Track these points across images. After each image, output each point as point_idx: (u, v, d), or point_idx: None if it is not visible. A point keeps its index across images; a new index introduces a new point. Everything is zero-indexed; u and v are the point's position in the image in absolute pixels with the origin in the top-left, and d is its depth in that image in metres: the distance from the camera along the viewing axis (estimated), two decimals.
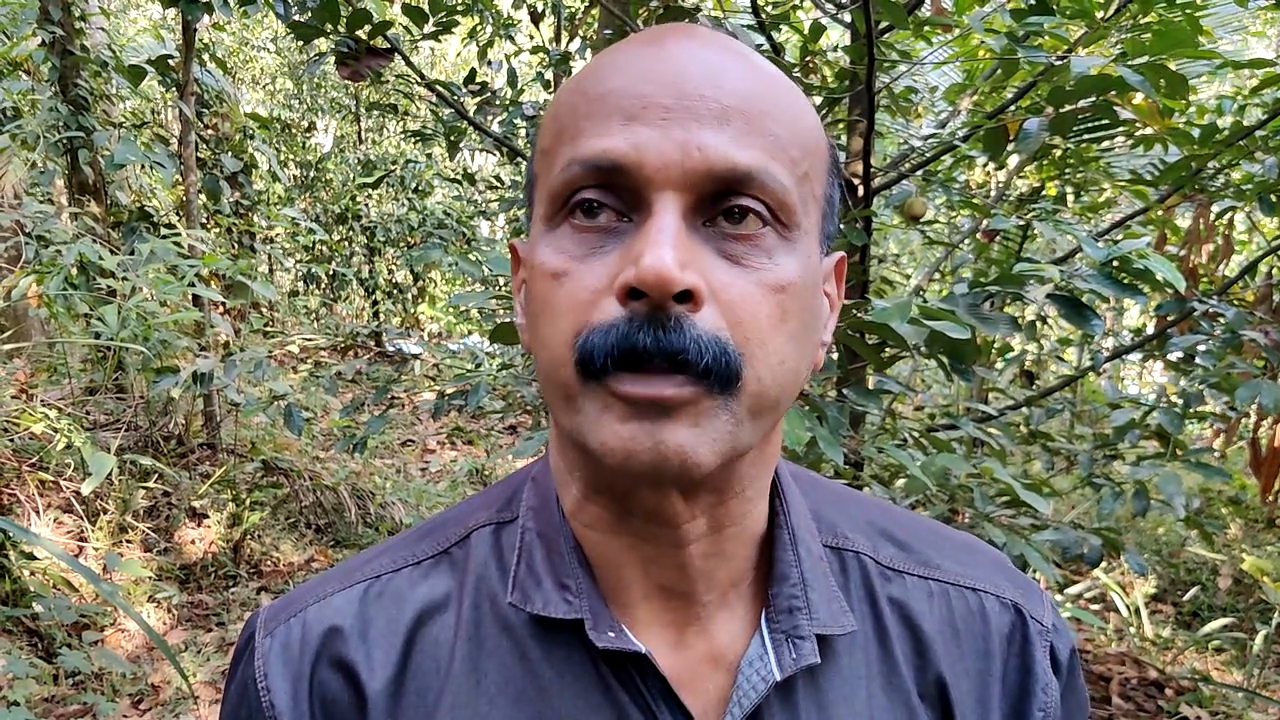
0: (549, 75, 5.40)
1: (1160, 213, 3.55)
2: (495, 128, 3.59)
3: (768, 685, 0.64)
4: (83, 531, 4.34)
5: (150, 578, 4.26)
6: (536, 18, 5.16)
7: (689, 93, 0.56)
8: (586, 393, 0.57)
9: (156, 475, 4.80)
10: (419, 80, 3.21)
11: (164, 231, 5.52)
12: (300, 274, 11.24)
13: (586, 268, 0.57)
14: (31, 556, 3.89)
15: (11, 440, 4.40)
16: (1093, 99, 2.24)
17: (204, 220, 6.87)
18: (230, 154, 6.90)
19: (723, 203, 0.56)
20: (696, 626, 0.67)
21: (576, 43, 5.77)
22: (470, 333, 11.16)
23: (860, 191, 2.73)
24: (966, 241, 3.97)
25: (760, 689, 0.64)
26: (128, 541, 4.48)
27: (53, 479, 4.40)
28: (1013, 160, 3.71)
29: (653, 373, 0.55)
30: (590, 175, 0.56)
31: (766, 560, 0.70)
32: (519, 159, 3.87)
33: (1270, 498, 3.13)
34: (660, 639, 0.66)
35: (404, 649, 0.67)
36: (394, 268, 11.49)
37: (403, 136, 11.71)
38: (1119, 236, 3.47)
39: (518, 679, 0.65)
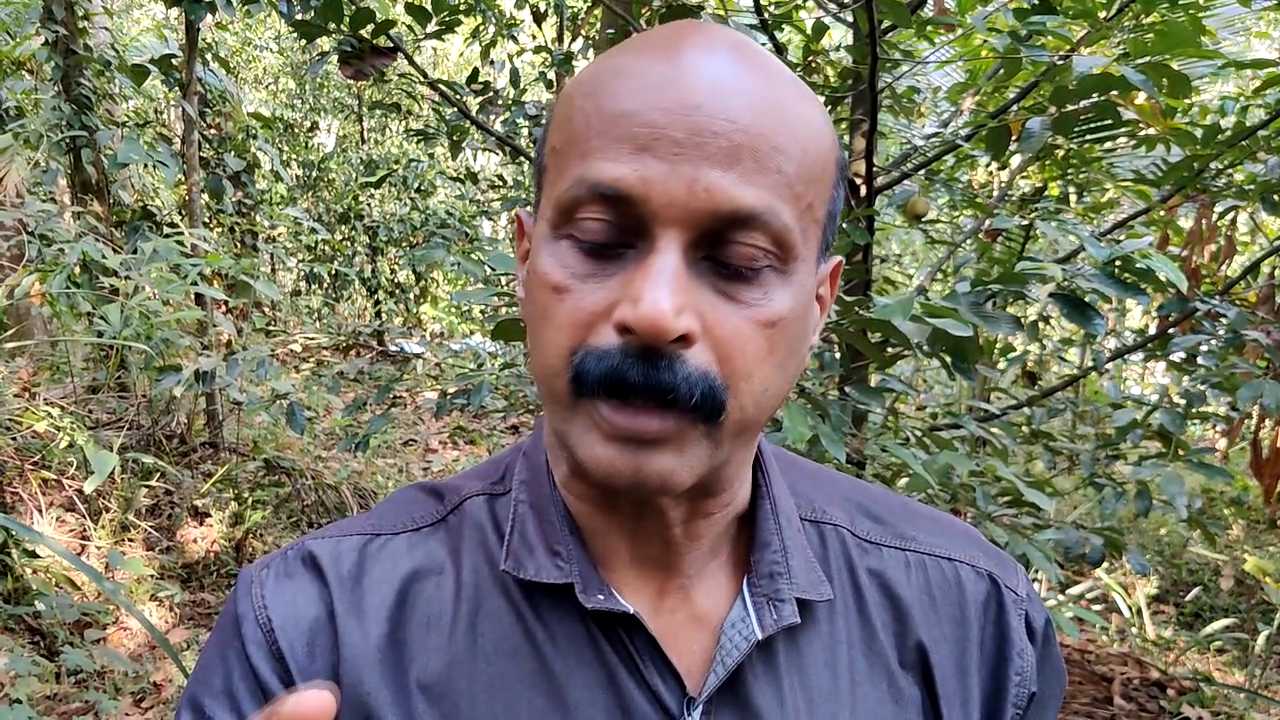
0: (551, 75, 5.40)
1: (1163, 213, 3.55)
2: (498, 127, 3.59)
3: (750, 644, 0.66)
4: (85, 530, 4.34)
5: (152, 576, 4.26)
6: (539, 17, 5.16)
7: (700, 126, 0.56)
8: (577, 407, 0.59)
9: (159, 474, 4.81)
10: (422, 79, 3.21)
11: (166, 231, 5.52)
12: (303, 273, 11.25)
13: (587, 289, 0.58)
14: (34, 555, 3.89)
15: (14, 439, 4.40)
16: (1095, 99, 2.24)
17: (207, 219, 6.87)
18: (233, 153, 6.91)
19: (724, 240, 0.57)
20: (681, 593, 0.70)
21: (579, 42, 5.77)
22: (472, 332, 11.18)
23: (863, 191, 2.73)
24: (969, 241, 3.97)
25: (743, 648, 0.66)
26: (130, 540, 4.48)
27: (55, 477, 4.41)
28: (1015, 160, 3.70)
29: (638, 406, 0.57)
30: (597, 200, 0.57)
31: (748, 531, 0.72)
32: (521, 159, 3.87)
33: (1273, 499, 3.13)
34: (648, 602, 0.69)
35: (397, 599, 0.70)
36: (396, 267, 11.49)
37: (405, 136, 11.71)
38: (1121, 236, 3.47)
39: (513, 638, 0.68)
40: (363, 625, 0.69)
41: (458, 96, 3.32)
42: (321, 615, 0.69)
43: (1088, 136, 3.42)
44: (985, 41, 2.68)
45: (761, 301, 0.58)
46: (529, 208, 0.73)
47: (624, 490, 0.59)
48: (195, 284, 4.73)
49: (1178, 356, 2.90)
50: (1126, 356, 3.48)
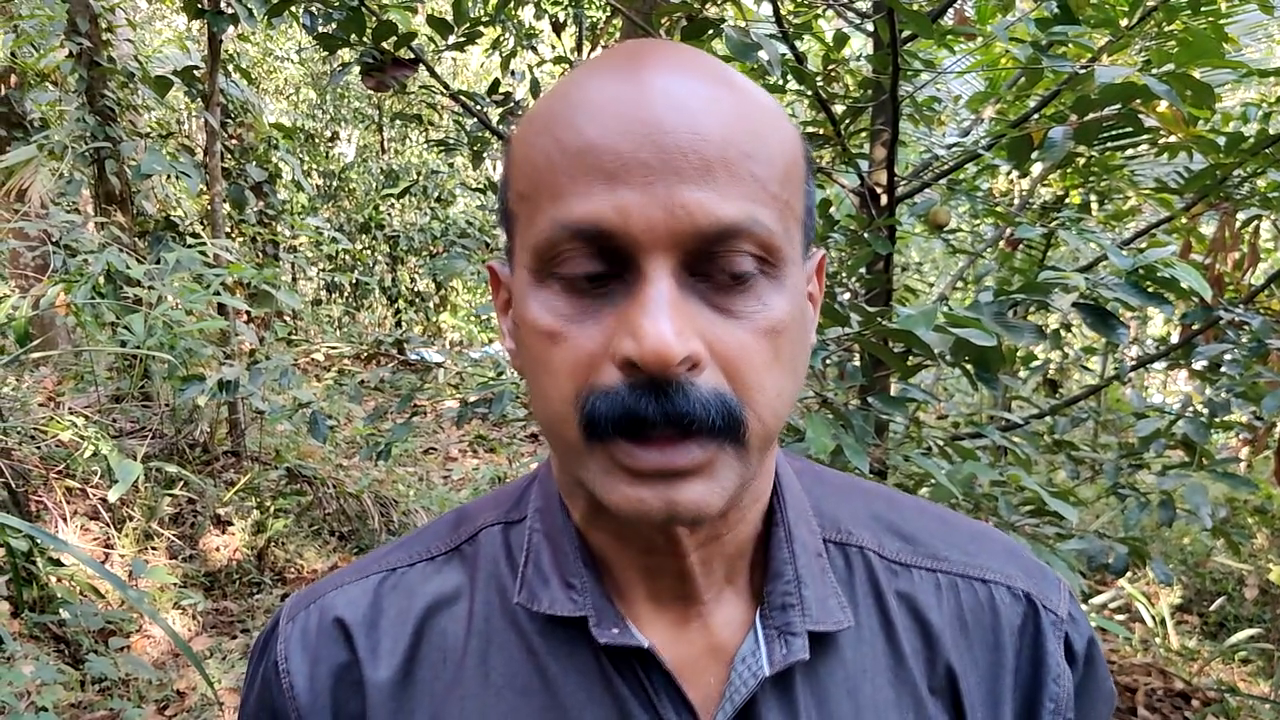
0: None
1: (1185, 221, 3.53)
2: None
3: (758, 680, 0.65)
4: (109, 538, 4.37)
5: (176, 584, 4.29)
6: (559, 28, 5.18)
7: (669, 146, 0.54)
8: (592, 451, 0.57)
9: (182, 482, 4.84)
10: (443, 90, 3.23)
11: (189, 241, 5.58)
12: (324, 283, 11.31)
13: (581, 330, 0.57)
14: (59, 563, 3.92)
15: (39, 447, 4.44)
16: (1117, 107, 2.23)
17: (229, 229, 6.93)
18: (255, 164, 6.97)
19: (711, 256, 0.56)
20: (698, 622, 0.69)
21: (598, 52, 5.79)
22: (491, 341, 11.20)
23: (884, 200, 2.73)
24: (990, 250, 3.96)
25: (750, 685, 0.65)
26: (153, 548, 4.51)
27: (79, 486, 4.44)
28: (1036, 168, 3.69)
29: (660, 441, 0.55)
30: (576, 240, 0.56)
31: (765, 555, 0.71)
32: None
33: None
34: (663, 633, 0.68)
35: (413, 638, 0.70)
36: (416, 276, 11.54)
37: (426, 146, 11.78)
38: (1144, 245, 3.45)
39: (524, 673, 0.67)
40: (378, 672, 0.69)
41: (478, 107, 3.34)
42: (343, 672, 0.71)
43: (1109, 144, 3.41)
44: (1006, 51, 2.67)
45: (760, 311, 0.57)
46: (500, 255, 0.72)
47: (657, 527, 0.58)
48: (218, 294, 4.77)
49: (1201, 365, 2.88)
50: (1149, 365, 3.46)
